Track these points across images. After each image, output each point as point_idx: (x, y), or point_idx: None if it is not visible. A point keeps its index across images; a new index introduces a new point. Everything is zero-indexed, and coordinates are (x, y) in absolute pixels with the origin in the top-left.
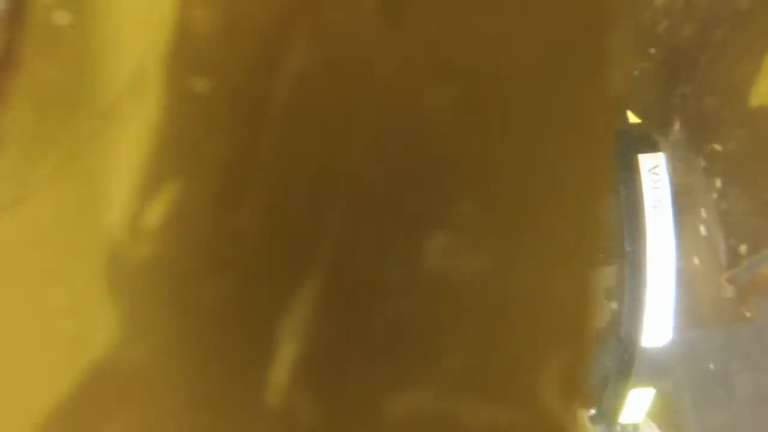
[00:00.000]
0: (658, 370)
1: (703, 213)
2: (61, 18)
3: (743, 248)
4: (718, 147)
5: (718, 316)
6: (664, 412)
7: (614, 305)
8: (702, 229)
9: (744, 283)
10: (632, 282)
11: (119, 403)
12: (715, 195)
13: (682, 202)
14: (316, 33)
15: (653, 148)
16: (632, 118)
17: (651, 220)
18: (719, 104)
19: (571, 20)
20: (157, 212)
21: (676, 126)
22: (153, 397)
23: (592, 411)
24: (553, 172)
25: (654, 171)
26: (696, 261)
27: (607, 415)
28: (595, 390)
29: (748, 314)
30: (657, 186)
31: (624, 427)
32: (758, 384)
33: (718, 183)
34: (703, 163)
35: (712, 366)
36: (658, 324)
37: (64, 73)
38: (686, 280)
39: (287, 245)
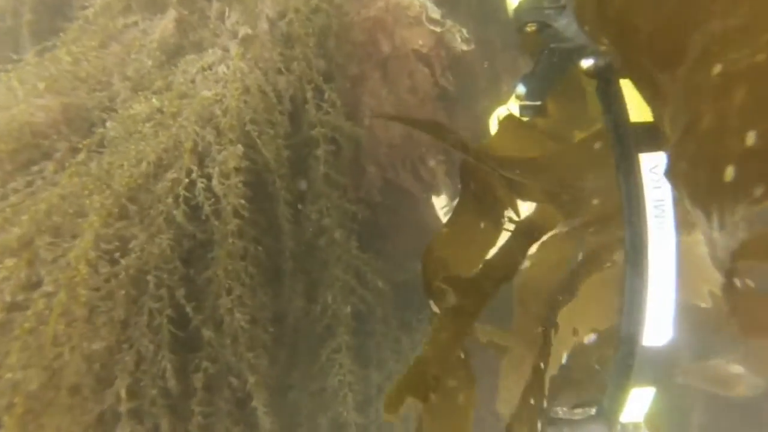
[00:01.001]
0: (658, 369)
1: None
2: None
3: None
4: None
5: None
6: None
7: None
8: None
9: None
10: (633, 281)
11: None
12: None
13: None
14: None
15: (654, 147)
16: (633, 117)
17: (652, 219)
18: None
19: None
20: None
21: None
22: None
23: (593, 410)
24: None
25: (655, 170)
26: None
27: (608, 414)
28: (596, 389)
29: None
30: (658, 185)
31: (624, 427)
32: None
33: None
34: None
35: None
36: (658, 323)
37: None
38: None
39: None
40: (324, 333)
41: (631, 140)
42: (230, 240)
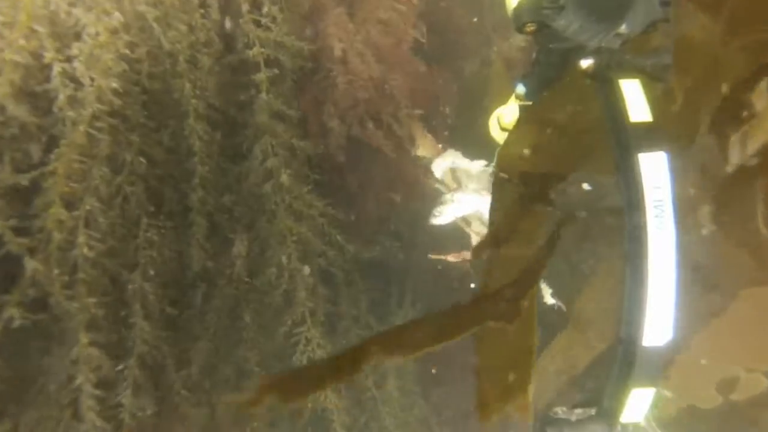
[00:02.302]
0: (659, 370)
1: None
2: None
3: None
4: None
5: None
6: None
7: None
8: None
9: None
10: (632, 281)
11: None
12: None
13: None
14: None
15: (654, 147)
16: (633, 117)
17: (651, 220)
18: None
19: None
20: None
21: None
22: None
23: (593, 410)
24: None
25: (654, 170)
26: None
27: (608, 414)
28: (595, 390)
29: None
30: (657, 185)
31: (625, 427)
32: None
33: None
34: None
35: None
36: (658, 324)
37: None
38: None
39: None
40: (281, 302)
41: (631, 140)
42: (82, 128)
